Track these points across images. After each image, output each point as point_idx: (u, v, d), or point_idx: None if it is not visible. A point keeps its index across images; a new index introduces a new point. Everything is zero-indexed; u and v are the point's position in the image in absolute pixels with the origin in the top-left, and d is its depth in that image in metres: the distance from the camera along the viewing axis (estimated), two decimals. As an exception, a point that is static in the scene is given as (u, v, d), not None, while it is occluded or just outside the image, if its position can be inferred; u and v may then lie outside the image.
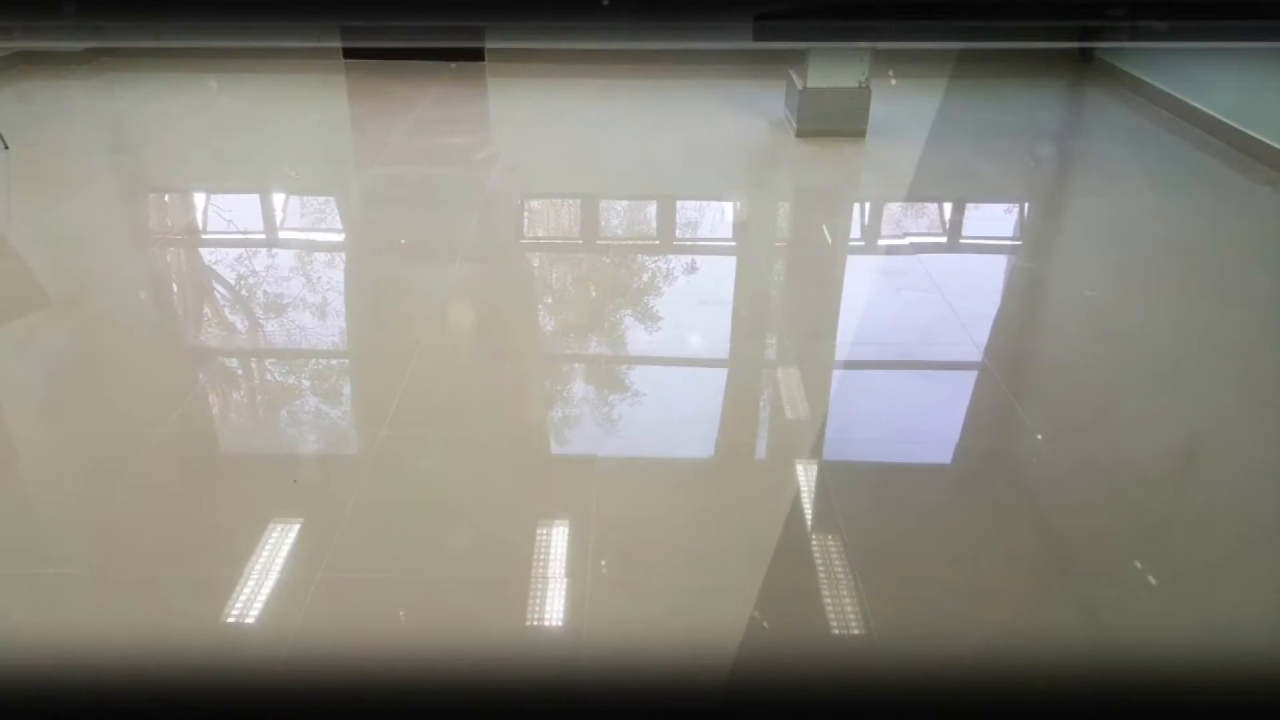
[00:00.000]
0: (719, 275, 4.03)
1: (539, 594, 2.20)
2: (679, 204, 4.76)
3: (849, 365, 3.26)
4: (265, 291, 3.77)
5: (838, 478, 2.63)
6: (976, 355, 3.26)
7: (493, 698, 1.96)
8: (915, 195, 4.88)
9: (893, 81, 5.76)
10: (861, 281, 3.94)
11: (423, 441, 2.78)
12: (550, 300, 3.78)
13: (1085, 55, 7.22)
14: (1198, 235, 4.34)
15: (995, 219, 4.77)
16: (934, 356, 3.29)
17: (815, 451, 2.76)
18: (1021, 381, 3.13)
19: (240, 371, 3.25)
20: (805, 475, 2.65)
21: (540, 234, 4.53)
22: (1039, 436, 2.81)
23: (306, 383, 3.13)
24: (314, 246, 4.26)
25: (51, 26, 6.53)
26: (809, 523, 2.46)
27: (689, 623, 2.12)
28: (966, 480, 2.67)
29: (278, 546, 2.33)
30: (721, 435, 2.86)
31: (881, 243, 4.38)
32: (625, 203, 4.73)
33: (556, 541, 2.37)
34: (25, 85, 6.67)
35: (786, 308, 3.67)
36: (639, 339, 3.39)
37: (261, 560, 2.29)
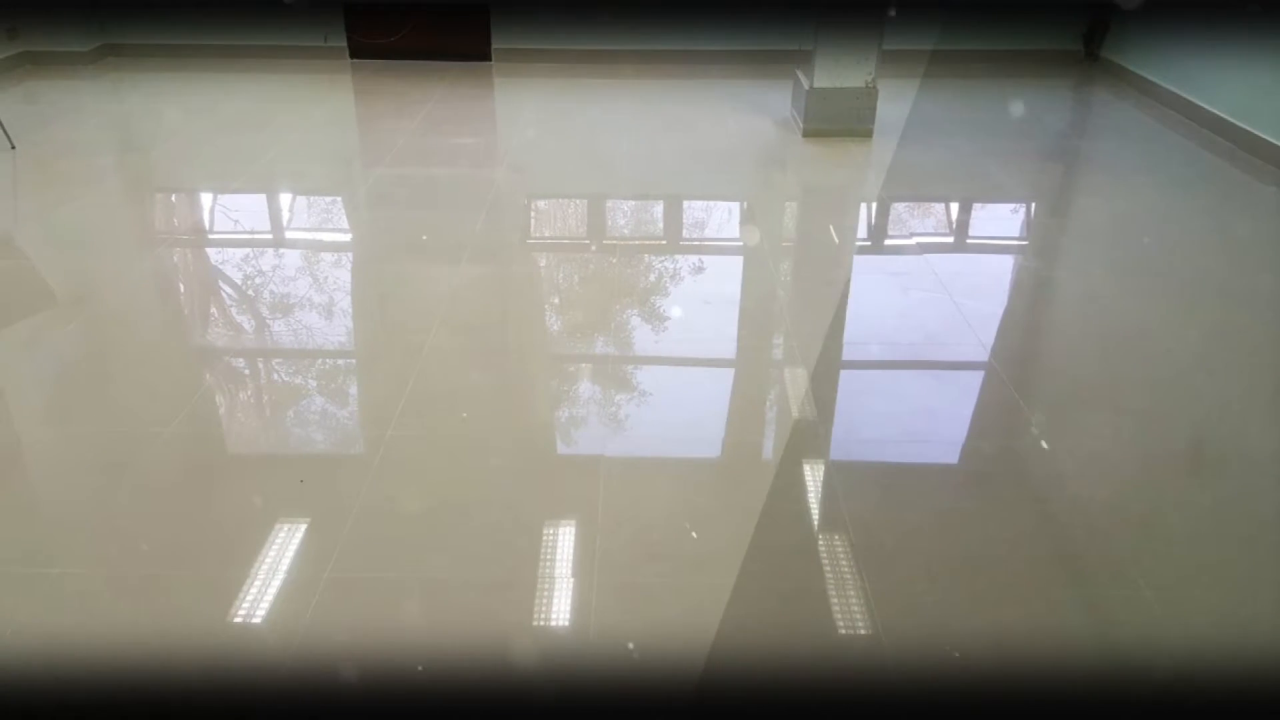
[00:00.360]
0: (726, 275, 4.03)
1: (545, 594, 2.20)
2: (686, 204, 4.75)
3: (856, 365, 3.26)
4: (272, 292, 3.77)
5: (844, 478, 2.63)
6: (983, 355, 3.26)
7: (500, 697, 1.96)
8: (922, 195, 4.87)
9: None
10: (868, 281, 3.93)
11: (429, 442, 2.78)
12: (557, 300, 3.78)
13: (1091, 55, 7.21)
14: (1203, 235, 4.33)
15: (1001, 219, 4.76)
16: (941, 356, 3.28)
17: (822, 451, 2.76)
18: (1028, 381, 3.13)
19: (247, 371, 3.25)
20: (812, 475, 2.65)
21: (547, 234, 4.53)
22: (1045, 437, 2.81)
23: (313, 383, 3.13)
24: (321, 246, 4.26)
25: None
26: (816, 523, 2.46)
27: (696, 623, 2.12)
28: (973, 480, 2.66)
29: (285, 546, 2.34)
30: (729, 435, 2.85)
31: (888, 243, 4.37)
32: (632, 203, 4.73)
33: (563, 541, 2.37)
34: (32, 85, 6.68)
35: (793, 308, 3.67)
36: (646, 339, 3.39)
37: (268, 560, 2.29)
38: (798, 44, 6.94)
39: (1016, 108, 5.73)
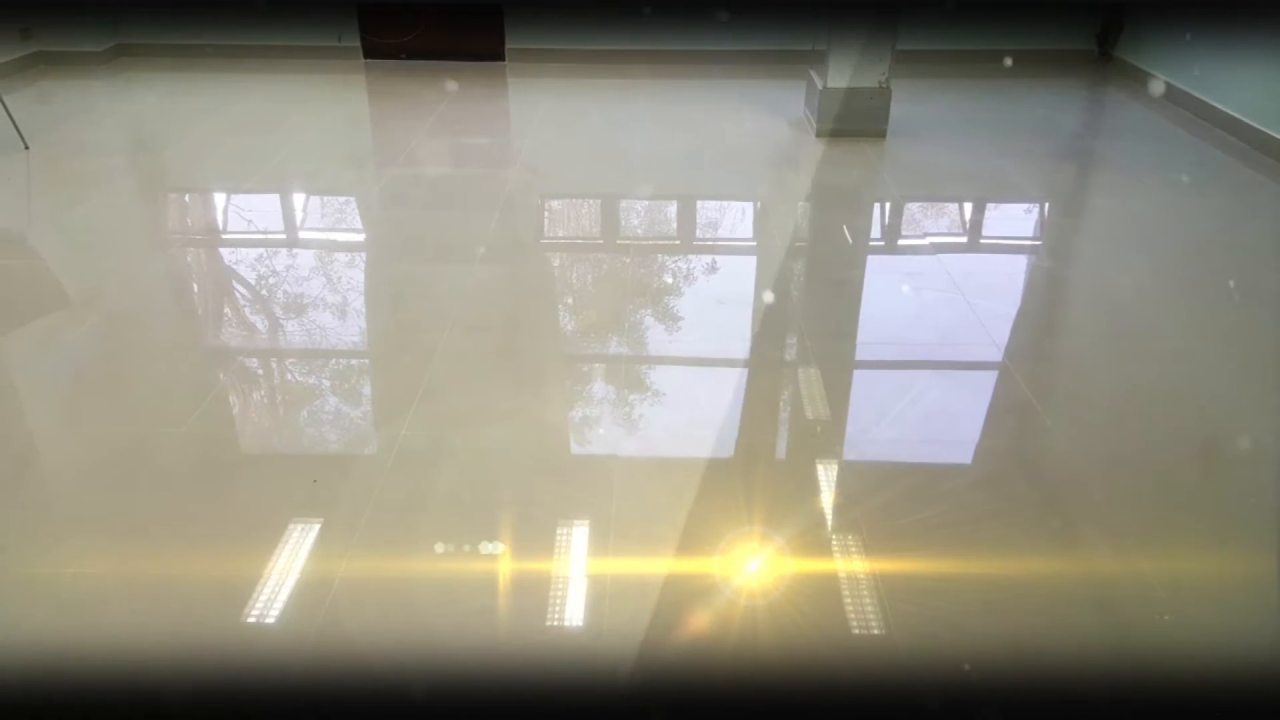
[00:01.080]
0: (739, 275, 4.02)
1: (558, 593, 2.20)
2: (699, 204, 4.75)
3: (869, 365, 3.25)
4: (285, 291, 3.78)
5: (857, 477, 2.62)
6: (996, 355, 3.25)
7: (513, 696, 1.95)
8: (935, 195, 4.86)
9: None
10: (881, 281, 3.92)
11: (442, 441, 2.78)
12: (570, 300, 3.78)
13: (1105, 55, 7.18)
14: (1216, 235, 4.31)
15: (1015, 218, 4.74)
16: (953, 356, 3.27)
17: (834, 450, 2.75)
18: (1041, 381, 3.11)
19: (260, 371, 3.26)
20: (825, 474, 2.64)
21: (560, 234, 4.53)
22: (1058, 436, 2.79)
23: (326, 382, 3.14)
24: (334, 247, 4.27)
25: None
26: (829, 522, 2.45)
27: (709, 622, 2.12)
28: (986, 480, 2.65)
29: (298, 546, 2.34)
30: (742, 434, 2.85)
31: (901, 242, 4.36)
32: (645, 202, 4.72)
33: (576, 540, 2.36)
34: (45, 85, 6.71)
35: (806, 307, 3.66)
36: (659, 339, 3.39)
37: (282, 560, 2.29)
38: (811, 44, 6.92)
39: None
